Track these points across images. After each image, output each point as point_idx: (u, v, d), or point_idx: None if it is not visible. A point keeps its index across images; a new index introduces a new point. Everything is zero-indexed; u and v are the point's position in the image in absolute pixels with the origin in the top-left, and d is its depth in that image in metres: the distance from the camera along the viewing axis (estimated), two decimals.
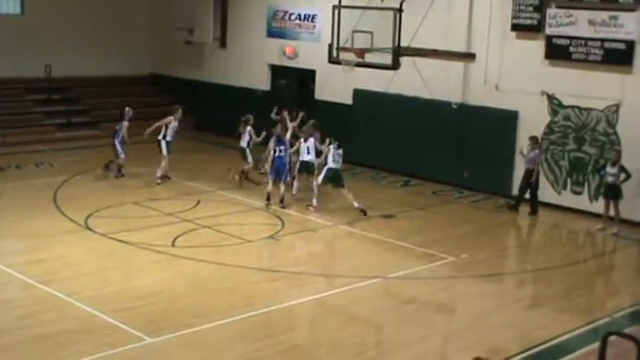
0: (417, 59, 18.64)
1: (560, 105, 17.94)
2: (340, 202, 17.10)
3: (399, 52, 17.23)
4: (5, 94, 23.32)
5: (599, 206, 17.04)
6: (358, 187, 18.20)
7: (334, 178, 16.88)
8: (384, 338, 11.36)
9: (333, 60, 18.54)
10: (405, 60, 17.78)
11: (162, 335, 10.53)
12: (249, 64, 24.13)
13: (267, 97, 23.05)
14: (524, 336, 11.33)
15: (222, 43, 24.92)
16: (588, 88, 17.34)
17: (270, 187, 17.00)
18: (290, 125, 17.75)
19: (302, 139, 17.26)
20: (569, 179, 17.98)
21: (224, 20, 24.77)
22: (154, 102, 24.45)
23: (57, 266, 12.98)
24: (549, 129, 18.11)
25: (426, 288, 13.12)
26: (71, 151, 21.81)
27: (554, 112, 18.04)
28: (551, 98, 18.03)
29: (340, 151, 16.86)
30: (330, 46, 18.34)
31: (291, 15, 23.05)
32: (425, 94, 19.74)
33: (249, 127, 18.54)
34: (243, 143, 18.58)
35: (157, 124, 18.50)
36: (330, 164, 16.80)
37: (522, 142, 18.01)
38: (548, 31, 17.75)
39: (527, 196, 17.66)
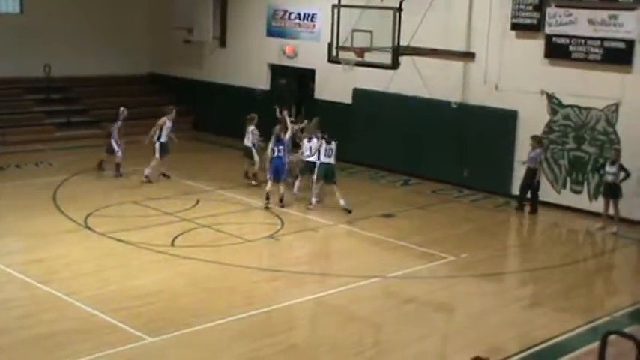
0: (417, 58, 18.61)
1: (560, 104, 17.93)
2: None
3: (398, 52, 17.22)
4: (4, 93, 23.33)
5: (598, 205, 17.05)
6: (358, 186, 18.22)
7: (327, 173, 16.88)
8: (383, 337, 11.35)
9: (332, 59, 18.51)
10: (404, 59, 17.77)
11: (161, 334, 10.53)
12: (249, 64, 24.11)
13: (267, 97, 23.03)
14: (523, 335, 11.32)
15: (222, 43, 24.90)
16: (588, 87, 17.34)
17: (269, 186, 16.99)
18: (290, 125, 17.74)
19: (306, 139, 17.26)
20: (568, 178, 17.97)
21: (223, 19, 24.75)
22: (153, 101, 24.39)
23: (56, 266, 12.99)
24: (549, 128, 18.10)
25: (425, 287, 13.11)
26: (70, 150, 21.78)
27: (553, 112, 18.04)
28: (550, 97, 18.02)
29: (332, 146, 16.82)
30: (330, 45, 18.31)
31: (290, 14, 23.03)
32: (424, 94, 19.71)
33: (252, 127, 18.52)
34: (248, 142, 18.57)
35: (153, 129, 18.53)
36: (323, 159, 16.79)
37: (522, 143, 18.06)
38: (547, 30, 17.74)
39: (528, 195, 17.66)
